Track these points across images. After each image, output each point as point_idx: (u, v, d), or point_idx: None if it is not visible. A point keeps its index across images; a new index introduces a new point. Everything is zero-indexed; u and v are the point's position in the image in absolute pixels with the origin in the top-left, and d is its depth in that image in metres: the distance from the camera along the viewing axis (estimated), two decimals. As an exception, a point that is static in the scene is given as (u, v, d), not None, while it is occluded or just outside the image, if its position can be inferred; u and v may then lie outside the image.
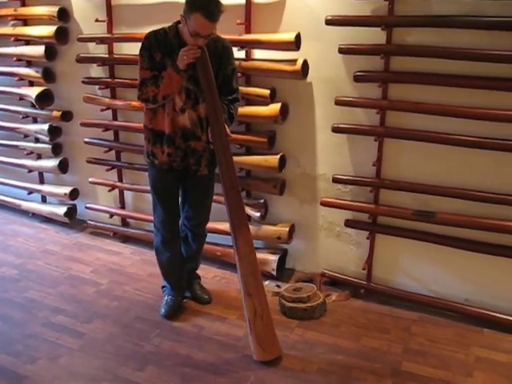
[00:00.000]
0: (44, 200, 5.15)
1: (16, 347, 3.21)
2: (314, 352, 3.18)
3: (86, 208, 4.84)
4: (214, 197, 3.53)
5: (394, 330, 3.41)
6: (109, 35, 4.28)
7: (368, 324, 3.48)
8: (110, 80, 4.39)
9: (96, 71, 4.46)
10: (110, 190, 4.68)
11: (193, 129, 3.19)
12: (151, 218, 4.34)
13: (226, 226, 3.86)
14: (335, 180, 3.69)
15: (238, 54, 3.68)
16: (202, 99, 3.13)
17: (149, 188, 4.02)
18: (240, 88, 3.53)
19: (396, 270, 3.74)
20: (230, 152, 3.10)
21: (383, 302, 3.69)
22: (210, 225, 3.68)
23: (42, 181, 5.11)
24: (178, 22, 3.05)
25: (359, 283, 3.79)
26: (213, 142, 3.12)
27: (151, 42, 3.07)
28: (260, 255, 3.91)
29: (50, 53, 4.54)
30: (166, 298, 3.62)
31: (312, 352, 3.18)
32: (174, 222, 3.51)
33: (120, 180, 4.65)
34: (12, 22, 4.69)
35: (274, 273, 3.90)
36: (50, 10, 4.38)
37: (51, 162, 4.84)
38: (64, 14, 4.43)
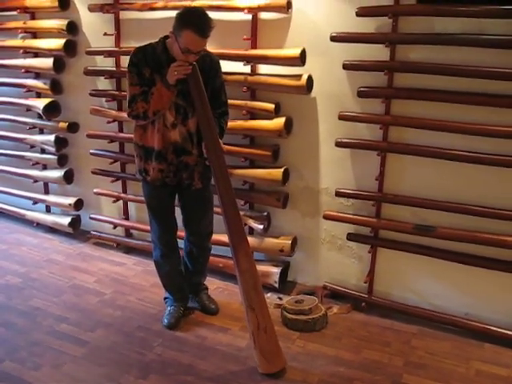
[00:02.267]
0: (48, 210, 5.19)
1: (21, 354, 3.24)
2: (316, 364, 3.20)
3: (90, 218, 4.87)
4: (214, 208, 3.56)
5: (395, 343, 3.43)
6: (116, 48, 4.35)
7: (369, 337, 3.50)
8: (116, 92, 4.45)
9: (103, 84, 4.52)
10: (114, 201, 4.72)
11: (183, 144, 3.21)
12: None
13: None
14: (338, 194, 3.73)
15: (244, 68, 3.75)
16: (191, 114, 3.16)
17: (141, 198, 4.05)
18: (245, 102, 3.61)
19: (397, 284, 3.77)
20: (225, 166, 3.14)
21: (384, 316, 3.71)
22: (212, 236, 3.71)
23: (46, 191, 5.15)
24: (166, 37, 3.08)
25: (360, 296, 3.81)
26: (208, 157, 3.13)
27: (139, 58, 3.08)
28: (262, 267, 3.96)
29: (59, 65, 4.60)
30: (168, 308, 3.65)
31: (313, 364, 3.20)
32: (170, 236, 3.55)
33: (124, 191, 4.70)
34: (21, 35, 4.76)
35: (276, 285, 3.93)
36: (60, 23, 4.45)
37: (56, 173, 4.88)
38: (73, 28, 4.50)
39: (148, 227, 4.43)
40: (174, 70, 2.95)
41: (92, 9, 4.32)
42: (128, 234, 4.79)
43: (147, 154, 3.25)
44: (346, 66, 3.47)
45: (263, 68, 3.80)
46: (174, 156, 3.22)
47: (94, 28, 4.47)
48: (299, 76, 3.59)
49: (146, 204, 3.50)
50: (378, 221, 3.65)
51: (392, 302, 3.72)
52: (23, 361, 3.18)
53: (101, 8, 4.26)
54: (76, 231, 4.96)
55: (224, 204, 3.09)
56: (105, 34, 4.30)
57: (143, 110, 3.07)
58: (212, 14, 3.65)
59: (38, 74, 4.79)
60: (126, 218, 4.77)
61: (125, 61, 4.31)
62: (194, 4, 3.79)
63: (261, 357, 3.09)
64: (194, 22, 2.85)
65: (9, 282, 4.14)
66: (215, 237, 3.73)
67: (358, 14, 3.35)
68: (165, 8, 3.94)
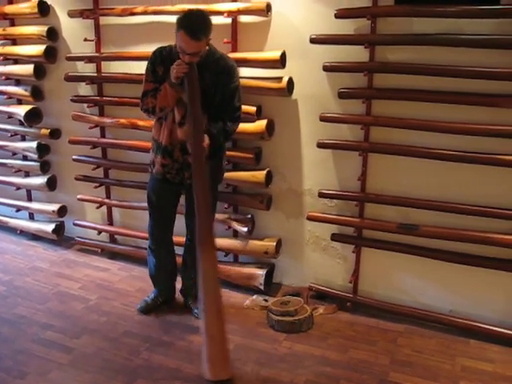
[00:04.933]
0: (32, 217, 5.16)
1: (6, 363, 3.21)
2: (303, 364, 3.21)
3: (74, 225, 4.85)
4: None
5: (381, 341, 3.45)
6: (97, 54, 4.34)
7: (355, 336, 3.52)
8: (98, 98, 4.44)
9: (84, 89, 4.51)
10: (98, 207, 4.70)
11: None
12: (139, 234, 4.44)
13: (216, 241, 3.90)
14: (321, 195, 3.75)
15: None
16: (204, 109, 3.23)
17: (136, 204, 4.08)
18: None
19: (382, 283, 3.79)
20: (203, 166, 3.12)
21: (370, 315, 3.74)
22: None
23: (30, 198, 5.12)
24: None
25: (346, 296, 3.83)
26: (191, 153, 3.15)
27: (156, 57, 3.23)
28: (247, 270, 3.97)
29: (39, 71, 4.58)
30: (148, 296, 3.81)
31: (300, 364, 3.21)
32: (162, 233, 3.62)
33: (108, 197, 4.68)
34: (1, 42, 4.74)
35: (262, 287, 3.93)
36: (39, 29, 4.44)
37: (39, 180, 4.86)
38: (53, 34, 4.48)
39: (132, 232, 4.50)
40: (174, 69, 3.06)
41: (72, 14, 4.31)
42: (112, 240, 4.77)
43: (157, 147, 3.38)
44: (326, 68, 3.50)
45: (244, 71, 3.80)
46: (180, 154, 3.29)
47: (74, 34, 4.45)
48: (280, 78, 3.61)
49: (147, 197, 3.57)
50: (362, 221, 3.67)
51: (377, 301, 3.74)
52: (8, 369, 3.15)
53: (80, 14, 4.24)
54: (60, 238, 4.93)
55: (198, 200, 3.08)
56: (85, 40, 4.29)
57: (152, 106, 3.24)
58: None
59: (18, 80, 4.77)
60: (110, 223, 4.76)
61: (105, 66, 4.34)
62: (173, 9, 3.80)
63: (205, 362, 3.03)
64: (186, 23, 2.93)
65: (-7, 291, 4.11)
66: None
67: (336, 16, 3.38)
68: (145, 13, 3.94)
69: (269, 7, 3.61)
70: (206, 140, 3.14)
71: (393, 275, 3.76)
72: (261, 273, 3.95)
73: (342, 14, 3.37)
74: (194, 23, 2.94)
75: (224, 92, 3.22)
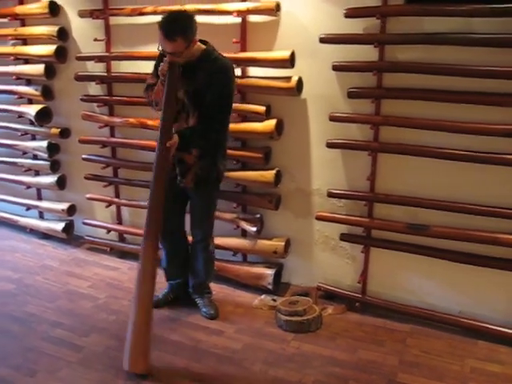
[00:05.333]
0: (42, 216, 5.19)
1: (16, 360, 3.23)
2: (311, 364, 3.21)
3: (84, 224, 4.87)
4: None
5: (390, 342, 3.44)
6: (107, 54, 4.36)
7: (364, 336, 3.51)
8: (108, 98, 4.46)
9: (94, 89, 4.53)
10: (107, 206, 4.72)
11: None
12: (148, 233, 4.43)
13: (222, 240, 3.93)
14: (330, 194, 3.74)
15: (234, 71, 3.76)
16: (192, 113, 3.30)
17: (145, 204, 4.12)
18: (235, 105, 3.60)
19: (391, 283, 3.78)
20: (165, 162, 3.21)
21: (379, 315, 3.73)
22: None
23: (39, 197, 5.15)
24: None
25: (355, 296, 3.82)
26: (157, 149, 3.21)
27: (160, 54, 3.29)
28: (256, 269, 3.98)
29: (49, 71, 4.61)
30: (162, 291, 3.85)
31: (309, 364, 3.21)
32: (168, 223, 3.58)
33: (117, 196, 4.70)
34: (12, 42, 4.77)
35: (271, 287, 3.93)
36: (50, 29, 4.46)
37: (49, 179, 4.88)
38: (63, 34, 4.51)
39: (141, 231, 4.46)
40: (160, 66, 3.18)
41: (82, 15, 4.33)
42: (121, 239, 4.79)
43: None
44: (335, 67, 3.49)
45: (253, 71, 3.81)
46: (176, 150, 3.30)
47: (84, 34, 4.48)
48: (289, 78, 3.61)
49: None
50: (371, 221, 3.66)
51: (386, 301, 3.73)
52: (18, 367, 3.17)
53: (90, 14, 4.26)
54: (69, 237, 4.96)
55: (151, 196, 3.21)
56: (95, 40, 4.31)
57: (151, 99, 3.39)
58: (202, 18, 3.71)
59: (29, 80, 4.80)
60: (120, 222, 4.77)
61: (115, 66, 4.35)
62: (183, 8, 3.80)
63: (127, 352, 3.12)
64: (162, 24, 3.03)
65: (2, 289, 4.13)
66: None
67: (346, 16, 3.37)
68: (154, 13, 3.95)
69: (278, 7, 3.61)
70: (174, 139, 3.18)
71: (401, 275, 3.74)
72: (269, 272, 3.95)
73: (351, 13, 3.36)
74: (170, 24, 3.03)
75: (213, 92, 3.21)
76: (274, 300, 3.86)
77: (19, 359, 3.25)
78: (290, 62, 3.55)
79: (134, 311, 3.14)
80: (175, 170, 3.45)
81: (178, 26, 3.03)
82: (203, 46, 3.26)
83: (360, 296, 3.81)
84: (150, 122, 4.13)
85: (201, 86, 3.22)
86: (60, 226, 4.90)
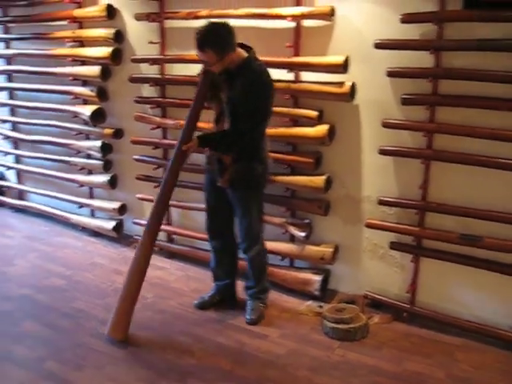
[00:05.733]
0: (93, 214, 5.29)
1: (65, 355, 3.30)
2: (355, 373, 3.16)
3: (134, 223, 4.94)
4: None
5: (437, 354, 3.36)
6: (161, 56, 4.42)
7: (410, 348, 3.44)
8: (160, 99, 4.52)
9: (147, 91, 4.60)
10: (157, 207, 4.77)
11: None
12: (196, 234, 4.49)
13: (270, 245, 3.90)
14: (381, 202, 3.69)
15: (287, 76, 3.76)
16: (225, 117, 3.38)
17: (194, 205, 4.21)
18: (288, 110, 3.61)
19: (440, 295, 3.70)
20: (179, 162, 3.43)
21: (426, 327, 3.65)
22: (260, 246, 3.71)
23: (92, 196, 5.26)
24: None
25: (402, 306, 3.76)
26: (175, 150, 3.41)
27: None
28: (303, 275, 3.96)
29: (105, 73, 4.70)
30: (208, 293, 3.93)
31: (353, 373, 3.16)
32: (212, 223, 3.77)
33: (167, 197, 4.74)
34: (70, 44, 4.88)
35: (317, 293, 3.90)
36: (107, 32, 4.56)
37: (102, 178, 4.98)
38: (119, 36, 4.60)
39: (190, 233, 4.56)
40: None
41: (138, 18, 4.40)
42: (170, 240, 4.84)
43: None
44: (389, 73, 3.44)
45: (306, 75, 3.79)
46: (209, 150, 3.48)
47: (140, 36, 4.55)
48: (342, 83, 3.58)
49: None
50: (422, 230, 3.59)
51: (435, 312, 3.65)
52: (66, 361, 3.24)
53: (147, 17, 4.33)
54: (119, 235, 5.05)
55: (162, 190, 3.48)
56: (150, 43, 4.37)
57: None
58: (255, 22, 3.72)
59: (85, 81, 4.91)
60: (169, 223, 4.82)
61: (169, 69, 4.40)
62: (237, 12, 3.83)
63: (111, 318, 3.47)
64: (196, 34, 3.15)
65: (54, 284, 4.23)
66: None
67: (402, 21, 3.33)
68: (209, 16, 3.97)
69: (333, 11, 3.59)
70: (191, 143, 3.33)
71: (452, 287, 3.66)
72: (317, 278, 3.92)
73: (408, 19, 3.31)
74: (202, 36, 3.13)
75: (246, 103, 3.25)
76: (321, 306, 3.83)
77: (68, 354, 3.32)
78: (343, 67, 3.52)
79: (126, 286, 3.48)
80: (213, 171, 3.53)
81: (209, 39, 3.13)
82: (244, 55, 3.28)
83: (408, 306, 3.74)
84: (201, 125, 4.14)
85: (236, 95, 3.28)
86: (110, 224, 4.99)
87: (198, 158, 4.18)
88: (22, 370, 3.18)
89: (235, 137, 3.35)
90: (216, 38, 3.14)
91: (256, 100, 3.25)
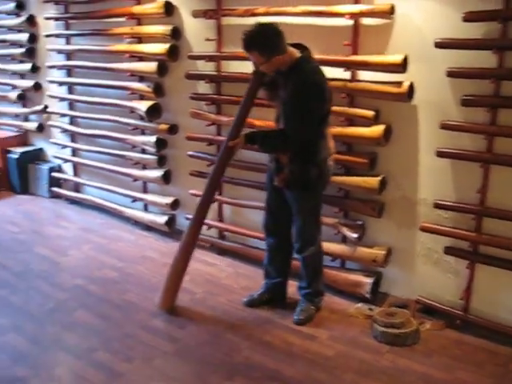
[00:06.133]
0: (146, 208, 5.36)
1: (114, 345, 3.37)
2: (404, 379, 3.10)
3: (186, 219, 4.97)
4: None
5: (490, 365, 3.25)
6: (218, 53, 4.43)
7: (462, 356, 3.34)
8: (216, 96, 4.53)
9: (203, 87, 4.62)
10: (209, 203, 4.80)
11: None
12: (248, 232, 4.49)
13: (324, 246, 3.85)
14: (437, 205, 3.60)
15: (344, 74, 3.71)
16: (281, 118, 3.38)
17: (247, 203, 4.23)
18: (344, 109, 3.56)
19: (496, 303, 3.58)
20: (224, 161, 3.56)
21: (480, 335, 3.53)
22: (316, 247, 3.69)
23: (145, 190, 5.32)
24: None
25: (455, 313, 3.66)
26: (222, 146, 3.54)
27: None
28: (354, 277, 3.91)
29: (162, 69, 4.75)
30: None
31: (402, 379, 3.10)
32: (267, 222, 3.78)
33: (220, 194, 4.76)
34: (128, 40, 4.96)
35: (368, 296, 3.84)
36: (164, 28, 4.60)
37: (156, 173, 5.04)
38: (176, 33, 4.63)
39: (242, 230, 4.55)
40: None
41: (195, 15, 4.43)
42: (221, 236, 4.86)
43: None
44: (450, 74, 3.35)
45: (363, 74, 3.74)
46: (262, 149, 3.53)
47: (197, 33, 4.58)
48: (400, 83, 3.51)
49: None
50: (479, 235, 3.49)
51: (489, 321, 3.53)
52: (116, 352, 3.30)
53: (204, 14, 4.35)
54: (171, 230, 5.09)
55: (209, 183, 3.64)
56: (207, 40, 4.39)
57: None
58: (313, 20, 3.68)
59: (142, 77, 4.97)
60: (221, 219, 4.83)
61: (225, 66, 4.41)
62: (294, 10, 3.80)
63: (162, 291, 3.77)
64: (243, 34, 3.17)
65: (106, 276, 4.31)
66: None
67: (464, 19, 3.22)
68: (266, 14, 3.96)
69: (392, 9, 3.51)
70: (237, 140, 3.42)
71: (508, 295, 3.53)
72: (368, 281, 3.86)
73: (470, 17, 3.21)
74: (248, 37, 3.15)
75: (294, 106, 3.24)
76: (371, 309, 3.77)
77: (118, 345, 3.37)
78: (402, 67, 3.45)
79: (177, 259, 3.74)
80: (271, 168, 3.54)
81: (255, 41, 3.15)
82: (297, 56, 3.24)
83: (461, 313, 3.64)
84: (257, 123, 4.14)
85: (287, 96, 3.27)
86: (163, 219, 5.04)
87: (254, 155, 4.19)
88: (72, 358, 3.26)
89: (281, 138, 3.34)
90: (262, 39, 3.14)
91: (303, 102, 3.22)
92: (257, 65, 3.27)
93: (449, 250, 3.65)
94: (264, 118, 3.98)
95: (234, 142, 3.42)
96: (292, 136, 3.30)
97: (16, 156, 6.27)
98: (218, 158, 3.58)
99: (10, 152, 6.34)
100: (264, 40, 3.15)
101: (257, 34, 3.14)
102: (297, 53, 3.26)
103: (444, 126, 3.44)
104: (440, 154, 3.50)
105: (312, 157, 3.39)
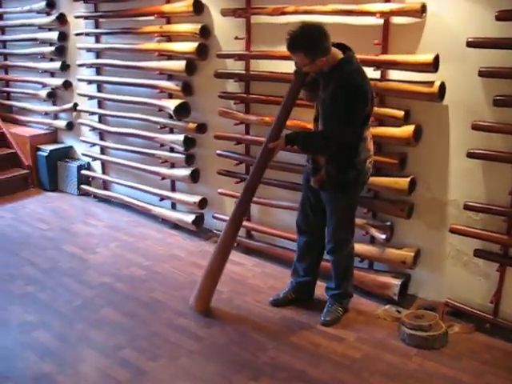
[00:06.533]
0: (174, 207, 5.38)
1: (141, 343, 3.38)
2: (433, 383, 3.06)
3: (213, 218, 4.98)
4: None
5: (521, 370, 3.21)
6: (247, 52, 4.42)
7: (492, 361, 3.28)
8: (245, 95, 4.53)
9: (232, 86, 4.62)
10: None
11: None
12: (275, 232, 4.48)
13: (358, 248, 3.82)
14: (467, 207, 3.54)
15: (374, 74, 3.67)
16: (320, 119, 3.34)
17: (275, 202, 4.24)
18: (374, 108, 3.53)
19: (527, 307, 3.53)
20: (264, 162, 3.50)
21: (510, 339, 3.47)
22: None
23: (173, 188, 5.34)
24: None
25: (485, 317, 3.60)
26: (262, 146, 3.48)
27: None
28: (382, 278, 3.87)
29: (191, 67, 4.76)
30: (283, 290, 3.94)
31: (430, 383, 3.06)
32: (299, 221, 3.77)
33: (248, 193, 4.75)
34: (157, 38, 4.98)
35: (396, 297, 3.79)
36: (193, 27, 4.61)
37: (184, 172, 5.05)
38: (205, 32, 4.63)
39: (269, 230, 4.55)
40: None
41: (224, 13, 4.42)
42: (249, 235, 4.85)
43: None
44: (482, 73, 3.29)
45: (393, 74, 3.69)
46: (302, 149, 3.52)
47: (225, 32, 4.58)
48: (431, 83, 3.46)
49: None
50: (510, 238, 3.42)
51: (520, 325, 3.48)
52: (143, 350, 3.31)
53: (233, 12, 4.35)
54: (199, 229, 5.10)
55: (247, 185, 3.60)
56: (236, 38, 4.38)
57: None
58: (343, 19, 3.66)
59: (170, 75, 4.99)
60: (248, 219, 4.82)
61: (254, 65, 4.40)
62: (324, 9, 3.77)
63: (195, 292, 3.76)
64: (287, 35, 3.09)
65: (133, 274, 4.33)
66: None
67: (497, 18, 3.16)
68: (296, 12, 3.95)
69: (424, 8, 3.47)
70: (278, 141, 3.38)
71: (540, 300, 3.48)
72: (396, 283, 3.81)
73: (504, 16, 3.14)
74: (293, 36, 3.07)
75: (335, 107, 3.19)
76: (399, 311, 3.73)
77: (144, 343, 3.39)
78: (433, 66, 3.40)
79: (213, 260, 3.71)
80: (309, 168, 3.51)
81: (300, 41, 3.08)
82: (339, 56, 3.19)
83: (491, 317, 3.58)
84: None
85: (327, 97, 3.22)
86: (190, 218, 5.05)
87: (284, 155, 4.18)
88: (98, 356, 3.28)
89: (321, 139, 3.30)
90: (308, 40, 3.07)
91: (345, 104, 3.15)
92: (299, 65, 3.22)
93: (478, 253, 3.59)
94: (293, 118, 3.96)
95: (274, 144, 3.38)
96: (332, 137, 3.25)
97: (46, 154, 6.34)
98: (257, 160, 3.52)
99: (39, 150, 6.42)
100: (310, 41, 3.08)
101: (302, 35, 3.07)
102: (340, 53, 3.20)
103: (475, 127, 3.39)
104: (471, 155, 3.44)
105: (351, 159, 3.34)
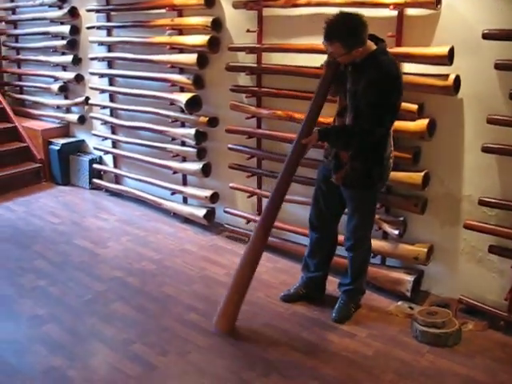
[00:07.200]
0: (185, 201, 5.36)
1: (151, 338, 3.37)
2: (445, 381, 3.02)
3: (225, 212, 4.96)
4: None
5: (536, 369, 3.15)
6: (258, 45, 4.38)
7: (506, 359, 3.23)
8: (256, 89, 4.49)
9: (244, 80, 4.59)
10: (249, 197, 4.77)
11: None
12: (287, 227, 4.45)
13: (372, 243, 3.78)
14: (481, 202, 3.49)
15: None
16: (349, 111, 3.22)
17: (287, 197, 4.19)
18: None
19: (543, 304, 3.47)
20: (296, 159, 3.33)
21: (525, 337, 3.43)
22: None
23: (185, 182, 5.32)
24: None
25: (499, 314, 3.54)
26: (294, 143, 3.32)
27: None
28: (395, 274, 3.83)
29: (202, 61, 4.73)
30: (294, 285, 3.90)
31: (442, 381, 3.02)
32: (313, 216, 3.69)
33: (260, 187, 4.73)
34: (168, 32, 4.95)
35: (408, 294, 3.75)
36: (205, 20, 4.57)
37: (195, 166, 5.02)
38: (217, 24, 4.60)
39: (281, 225, 4.52)
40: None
41: (236, 6, 4.38)
42: (260, 230, 4.81)
43: None
44: (498, 66, 3.23)
45: (407, 67, 3.64)
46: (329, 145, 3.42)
47: (237, 25, 4.54)
48: (446, 76, 3.40)
49: None
50: (525, 234, 3.37)
51: (535, 323, 3.43)
52: (152, 345, 3.30)
53: (245, 5, 4.31)
54: (210, 223, 5.08)
55: (278, 185, 3.39)
56: (248, 31, 4.35)
57: None
58: (356, 10, 3.60)
59: (182, 69, 4.96)
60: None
61: (266, 58, 4.36)
62: (337, 0, 3.72)
63: (219, 311, 3.48)
64: (325, 24, 3.01)
65: (144, 268, 4.32)
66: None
67: (515, 10, 3.11)
68: (308, 4, 3.90)
69: (439, 0, 3.41)
70: (311, 137, 3.23)
71: (556, 297, 3.41)
72: (409, 279, 3.76)
73: (521, 8, 3.09)
74: (331, 26, 2.99)
75: (369, 100, 3.09)
76: (411, 308, 3.69)
77: (154, 338, 3.38)
78: (448, 59, 3.34)
79: (234, 276, 3.47)
80: (330, 165, 3.42)
81: (339, 30, 2.99)
82: (372, 47, 3.12)
83: (505, 314, 3.52)
84: (297, 115, 4.09)
85: (360, 90, 3.12)
86: (202, 212, 5.03)
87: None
88: (109, 350, 3.28)
89: (357, 134, 3.19)
90: (346, 30, 2.99)
91: (380, 97, 3.07)
92: (333, 56, 3.12)
93: (493, 249, 3.53)
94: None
95: (307, 140, 3.24)
96: (367, 132, 3.15)
97: (58, 147, 6.34)
98: (289, 157, 3.34)
99: (51, 143, 6.42)
100: (349, 31, 2.99)
101: (341, 25, 2.99)
102: (372, 44, 3.13)
103: (491, 121, 3.33)
104: (486, 150, 3.38)
105: (376, 154, 3.29)
